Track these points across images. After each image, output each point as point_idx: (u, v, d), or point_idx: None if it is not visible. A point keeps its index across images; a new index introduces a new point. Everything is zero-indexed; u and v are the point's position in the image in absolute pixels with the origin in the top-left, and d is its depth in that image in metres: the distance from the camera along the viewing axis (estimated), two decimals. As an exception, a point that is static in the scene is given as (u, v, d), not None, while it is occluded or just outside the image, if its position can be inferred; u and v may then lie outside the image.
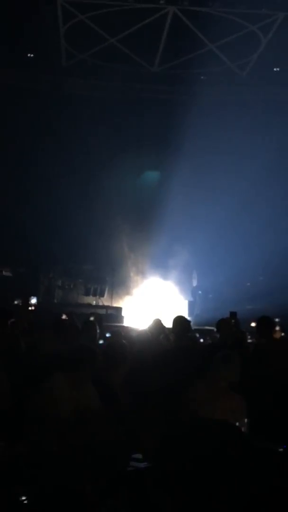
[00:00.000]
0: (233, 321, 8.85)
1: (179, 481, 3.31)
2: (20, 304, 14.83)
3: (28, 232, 18.06)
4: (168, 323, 8.05)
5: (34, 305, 15.42)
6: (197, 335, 10.55)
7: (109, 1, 16.20)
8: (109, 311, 17.26)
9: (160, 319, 8.07)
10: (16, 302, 15.47)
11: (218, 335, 8.39)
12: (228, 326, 8.03)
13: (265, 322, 7.48)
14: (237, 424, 4.23)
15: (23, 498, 3.14)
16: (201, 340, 10.09)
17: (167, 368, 6.13)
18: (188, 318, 8.63)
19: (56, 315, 9.47)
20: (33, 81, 19.85)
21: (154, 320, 8.06)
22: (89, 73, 19.72)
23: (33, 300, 15.56)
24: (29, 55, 19.14)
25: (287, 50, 17.34)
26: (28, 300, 15.08)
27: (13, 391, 5.26)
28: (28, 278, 18.45)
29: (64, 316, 9.41)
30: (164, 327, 8.21)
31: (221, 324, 8.09)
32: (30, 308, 14.78)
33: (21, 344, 6.13)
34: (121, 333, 8.25)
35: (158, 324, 7.92)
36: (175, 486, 3.27)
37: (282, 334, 8.49)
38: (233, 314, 8.99)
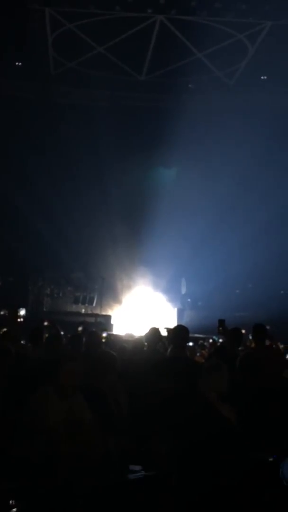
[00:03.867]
0: (220, 328, 8.82)
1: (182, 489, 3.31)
2: (7, 314, 14.67)
3: (17, 241, 18.03)
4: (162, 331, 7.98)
5: (22, 316, 15.30)
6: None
7: (97, 10, 16.23)
8: (98, 319, 17.21)
9: (157, 327, 7.92)
10: (2, 313, 15.38)
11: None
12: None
13: (258, 330, 7.48)
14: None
15: (15, 510, 3.13)
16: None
17: (162, 377, 6.06)
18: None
19: (34, 325, 9.23)
20: (21, 90, 19.85)
21: (151, 329, 7.91)
22: (77, 82, 19.75)
23: (22, 312, 15.45)
24: (17, 63, 19.16)
25: (274, 58, 17.44)
26: (17, 311, 14.97)
27: (3, 402, 5.21)
28: (17, 287, 18.41)
29: (46, 323, 9.25)
30: (162, 335, 8.09)
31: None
32: (18, 319, 14.68)
33: (12, 355, 6.06)
34: (97, 333, 7.98)
35: (155, 332, 7.78)
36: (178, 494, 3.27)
37: (270, 342, 8.46)
38: (221, 322, 8.94)
